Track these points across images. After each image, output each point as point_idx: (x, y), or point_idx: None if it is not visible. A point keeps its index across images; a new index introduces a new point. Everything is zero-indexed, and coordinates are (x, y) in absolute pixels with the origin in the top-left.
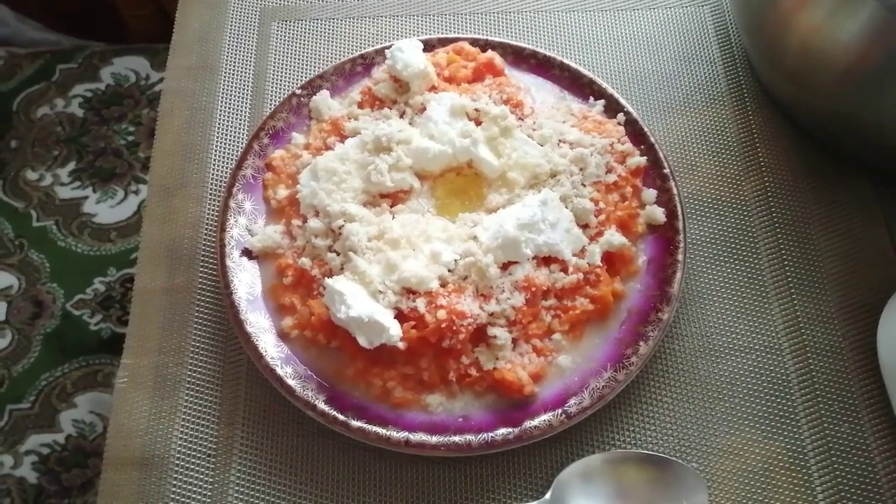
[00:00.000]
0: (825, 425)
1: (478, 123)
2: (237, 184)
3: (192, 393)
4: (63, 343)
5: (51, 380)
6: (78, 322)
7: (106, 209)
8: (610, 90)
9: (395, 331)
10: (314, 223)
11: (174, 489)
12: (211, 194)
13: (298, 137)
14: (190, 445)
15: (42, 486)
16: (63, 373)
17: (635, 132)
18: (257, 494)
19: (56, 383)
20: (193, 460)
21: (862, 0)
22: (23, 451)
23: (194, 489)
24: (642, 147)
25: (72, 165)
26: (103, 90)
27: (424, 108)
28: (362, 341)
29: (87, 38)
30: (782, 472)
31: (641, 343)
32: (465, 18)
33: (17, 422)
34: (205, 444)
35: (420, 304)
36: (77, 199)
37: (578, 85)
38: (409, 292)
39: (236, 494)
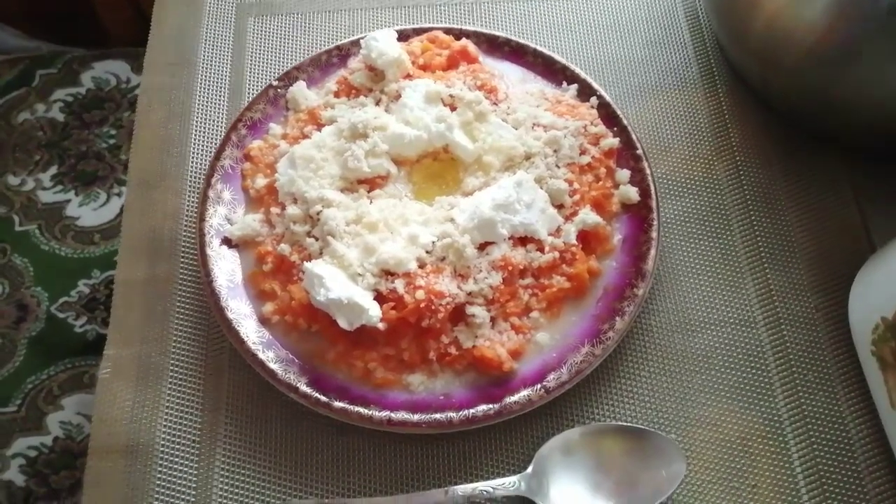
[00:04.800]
0: (800, 394)
1: (453, 109)
2: (216, 174)
3: (175, 381)
4: (48, 346)
5: (37, 383)
6: (63, 325)
7: (89, 212)
8: (583, 75)
9: (374, 312)
10: (292, 210)
11: (159, 477)
12: (190, 186)
13: (276, 128)
14: (174, 433)
15: (30, 489)
16: (49, 375)
17: (608, 115)
18: (242, 480)
19: (42, 386)
20: (178, 448)
21: None
22: (10, 455)
23: (180, 476)
24: (615, 129)
25: (53, 170)
26: (84, 94)
27: (400, 96)
28: (342, 323)
29: (68, 45)
30: (759, 441)
31: (618, 318)
32: (440, 10)
33: (4, 425)
34: (189, 431)
35: (399, 285)
36: (59, 203)
37: (552, 71)
38: (388, 274)
39: (221, 480)
